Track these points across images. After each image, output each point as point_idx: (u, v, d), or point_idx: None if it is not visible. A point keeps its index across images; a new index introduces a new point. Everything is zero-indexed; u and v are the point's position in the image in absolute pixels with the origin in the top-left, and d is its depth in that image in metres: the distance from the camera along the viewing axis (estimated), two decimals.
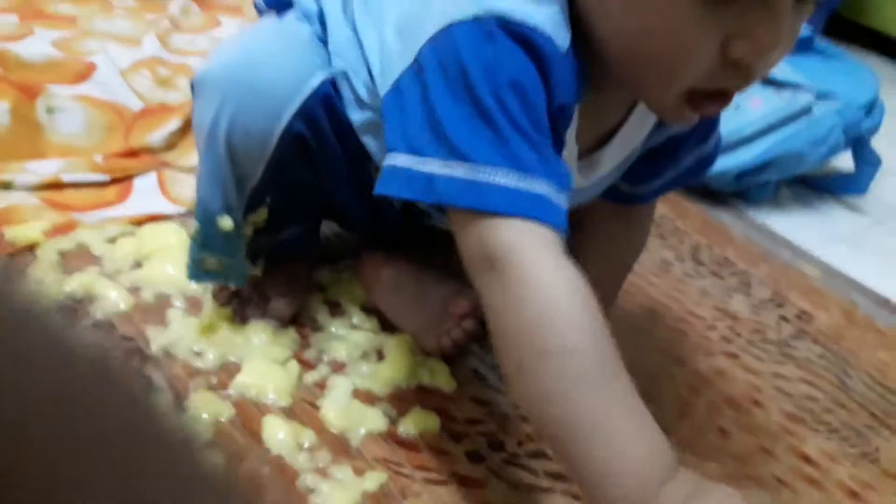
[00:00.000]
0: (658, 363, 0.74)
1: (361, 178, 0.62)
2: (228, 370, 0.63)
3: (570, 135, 0.51)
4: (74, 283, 0.69)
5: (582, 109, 0.50)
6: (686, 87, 0.46)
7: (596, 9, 0.46)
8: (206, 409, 0.59)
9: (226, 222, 0.62)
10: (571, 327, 0.43)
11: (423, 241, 0.73)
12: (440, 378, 0.65)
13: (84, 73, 0.95)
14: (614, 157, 0.58)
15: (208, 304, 0.69)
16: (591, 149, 0.55)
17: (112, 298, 0.68)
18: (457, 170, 0.45)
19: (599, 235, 0.67)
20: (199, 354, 0.64)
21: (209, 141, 0.59)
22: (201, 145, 0.61)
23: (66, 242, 0.74)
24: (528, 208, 0.44)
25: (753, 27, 0.43)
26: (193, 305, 0.69)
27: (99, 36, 1.09)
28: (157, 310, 0.68)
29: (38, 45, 1.01)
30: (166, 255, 0.73)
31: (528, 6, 0.46)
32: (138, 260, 0.73)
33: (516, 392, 0.47)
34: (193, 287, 0.70)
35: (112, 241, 0.75)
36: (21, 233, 0.74)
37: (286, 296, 0.69)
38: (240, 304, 0.69)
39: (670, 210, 1.03)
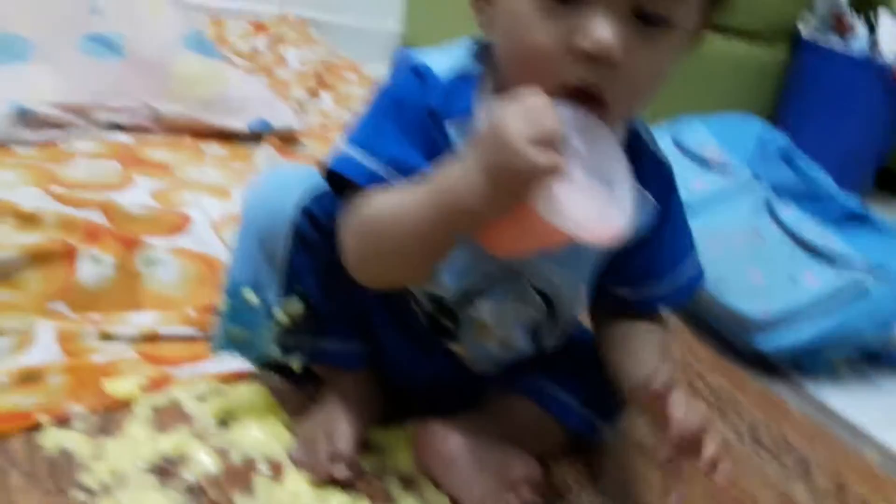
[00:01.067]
0: None
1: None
2: None
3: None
4: (167, 444, 0.73)
5: None
6: (555, 81, 0.57)
7: (493, 37, 0.63)
8: None
9: (251, 296, 0.72)
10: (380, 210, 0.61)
11: (473, 404, 0.78)
12: None
13: (179, 225, 1.02)
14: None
15: (291, 471, 0.72)
16: None
17: (202, 461, 0.72)
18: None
19: (621, 329, 0.74)
20: None
21: (244, 224, 0.73)
22: (239, 230, 0.74)
23: (160, 399, 0.78)
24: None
25: (588, 22, 0.55)
26: (277, 471, 0.73)
27: (192, 186, 1.17)
28: (243, 474, 0.72)
29: (138, 196, 1.09)
30: (252, 417, 0.77)
31: (433, 55, 0.65)
32: (226, 419, 0.77)
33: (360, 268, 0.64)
34: (277, 451, 0.74)
35: (202, 398, 0.79)
36: (119, 387, 0.78)
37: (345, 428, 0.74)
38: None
39: (728, 381, 1.06)
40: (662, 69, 0.59)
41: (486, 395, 0.79)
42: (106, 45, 1.47)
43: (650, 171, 0.68)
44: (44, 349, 0.80)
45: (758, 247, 1.19)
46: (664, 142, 1.39)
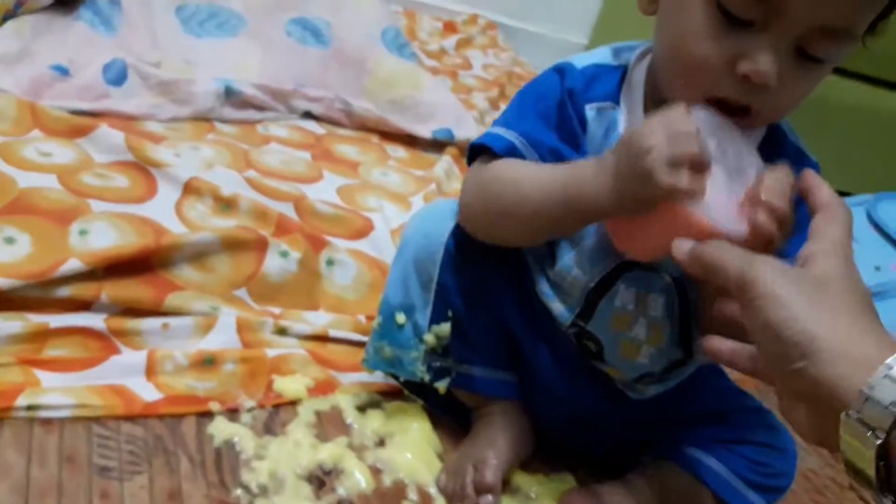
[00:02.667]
0: None
1: (527, 302, 0.74)
2: None
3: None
4: (325, 453, 0.75)
5: None
6: (706, 92, 0.60)
7: (656, 34, 0.65)
8: None
9: (400, 317, 0.76)
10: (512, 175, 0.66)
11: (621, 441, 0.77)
12: None
13: (363, 230, 1.05)
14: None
15: (439, 501, 0.73)
16: None
17: (356, 478, 0.73)
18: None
19: None
20: None
21: (401, 248, 0.77)
22: (396, 253, 0.78)
23: (323, 403, 0.81)
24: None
25: (755, 51, 0.56)
26: (426, 499, 0.74)
27: (376, 189, 1.20)
28: (393, 497, 0.73)
29: (326, 191, 1.13)
30: (407, 439, 0.79)
31: (577, 56, 0.70)
32: (383, 437, 0.79)
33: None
34: (427, 479, 0.75)
35: (363, 410, 0.81)
36: (288, 386, 0.81)
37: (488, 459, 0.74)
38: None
39: None
40: (809, 92, 0.62)
41: (638, 461, 0.78)
42: (311, 30, 1.53)
43: (793, 160, 0.67)
44: (223, 335, 0.84)
45: None
46: (858, 216, 1.32)
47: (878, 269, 1.23)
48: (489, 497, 0.72)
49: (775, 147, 0.68)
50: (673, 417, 0.77)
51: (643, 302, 0.71)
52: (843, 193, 1.40)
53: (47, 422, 0.70)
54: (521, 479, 0.79)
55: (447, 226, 0.74)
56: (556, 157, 0.67)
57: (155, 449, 0.71)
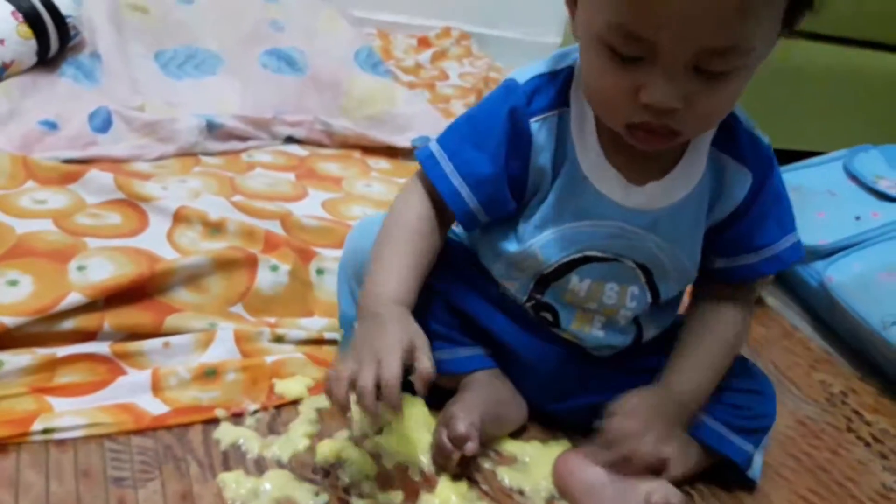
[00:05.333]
0: None
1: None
2: None
3: (583, 152, 0.71)
4: (328, 447, 0.78)
5: (613, 147, 0.70)
6: (625, 119, 0.64)
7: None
8: None
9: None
10: (390, 228, 0.75)
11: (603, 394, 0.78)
12: None
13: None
14: (668, 192, 0.72)
15: (444, 480, 0.76)
16: (643, 180, 0.71)
17: (359, 464, 0.77)
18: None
19: (697, 313, 0.80)
20: None
21: (340, 265, 0.85)
22: (339, 273, 0.86)
23: (323, 401, 0.84)
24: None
25: (650, 83, 0.59)
26: (427, 480, 0.77)
27: (360, 200, 1.25)
28: (395, 479, 0.76)
29: (311, 207, 1.17)
30: (403, 425, 0.81)
31: (521, 69, 0.73)
32: (381, 425, 0.82)
33: None
34: (425, 459, 0.78)
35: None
36: (288, 387, 0.85)
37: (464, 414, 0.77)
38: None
39: (893, 426, 1.01)
40: (732, 97, 0.63)
41: None
42: (286, 60, 1.58)
43: (747, 147, 0.72)
44: (223, 348, 0.88)
45: None
46: (835, 171, 1.35)
47: (858, 218, 1.25)
48: (470, 444, 0.75)
49: (729, 136, 0.72)
50: (647, 372, 0.80)
51: (597, 289, 0.76)
52: (819, 152, 1.43)
53: (61, 442, 0.74)
54: (516, 447, 0.82)
55: (372, 238, 0.78)
56: (485, 182, 0.72)
57: (165, 457, 0.74)
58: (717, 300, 0.79)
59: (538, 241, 0.75)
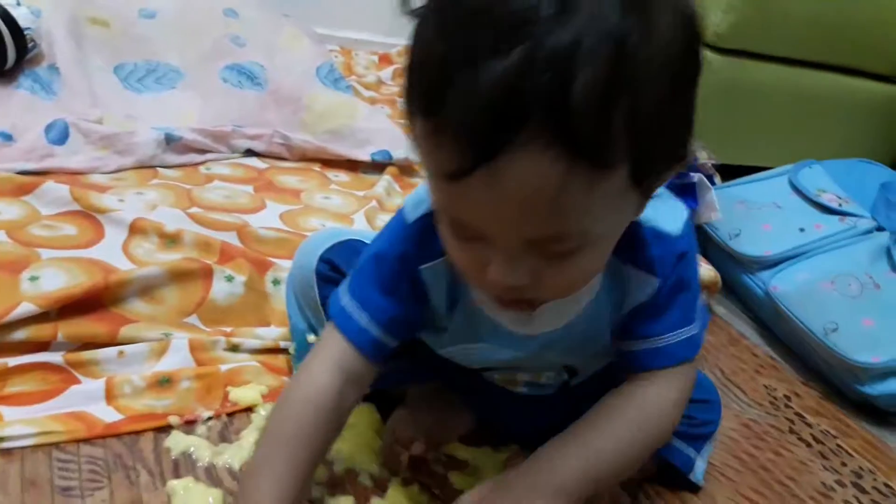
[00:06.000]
0: None
1: None
2: None
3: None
4: None
5: None
6: (481, 288, 0.61)
7: None
8: None
9: (311, 337, 0.82)
10: (283, 416, 0.68)
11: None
12: None
13: None
14: (559, 315, 0.68)
15: (395, 484, 0.77)
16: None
17: None
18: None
19: (602, 401, 0.70)
20: None
21: (287, 282, 0.87)
22: (287, 290, 0.87)
23: None
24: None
25: (492, 262, 0.55)
26: (378, 485, 0.78)
27: (318, 212, 1.26)
28: (345, 484, 0.77)
29: (270, 220, 1.19)
30: (354, 431, 0.82)
31: (412, 196, 0.70)
32: None
33: None
34: (375, 465, 0.80)
35: None
36: (243, 394, 0.86)
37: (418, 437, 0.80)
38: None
39: (833, 426, 1.04)
40: (588, 269, 0.58)
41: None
42: (246, 75, 1.59)
43: (651, 249, 0.66)
44: (177, 357, 0.89)
45: (874, 295, 1.16)
46: (781, 185, 1.39)
47: (802, 230, 1.29)
48: (416, 444, 0.77)
49: (630, 244, 0.64)
50: (595, 393, 0.77)
51: (511, 376, 0.78)
52: (766, 167, 1.47)
53: (8, 452, 0.74)
54: (467, 452, 0.84)
55: (316, 253, 0.81)
56: (398, 322, 0.69)
57: (115, 466, 0.75)
58: (633, 381, 0.70)
59: (445, 351, 0.76)
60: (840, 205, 1.32)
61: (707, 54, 1.71)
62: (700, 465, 0.84)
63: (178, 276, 0.96)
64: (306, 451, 0.66)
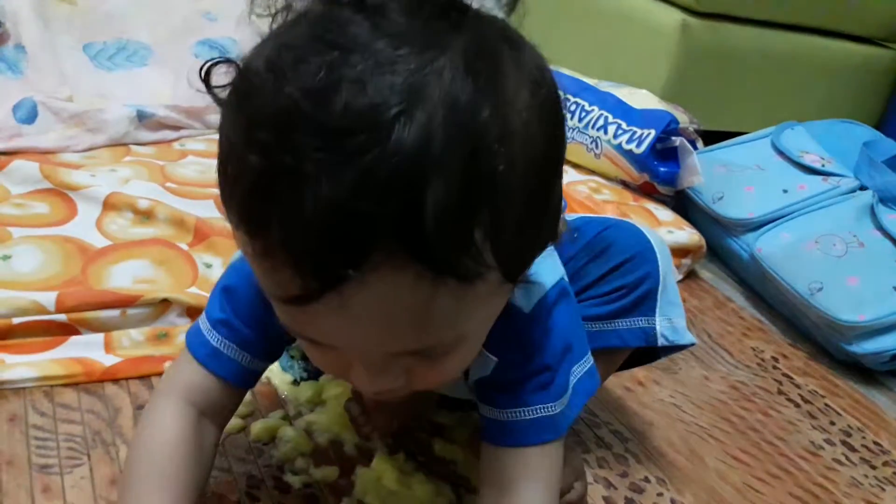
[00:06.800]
0: None
1: None
2: None
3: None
4: (260, 426, 0.77)
5: None
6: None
7: None
8: None
9: None
10: (141, 454, 0.58)
11: None
12: None
13: None
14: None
15: (380, 455, 0.76)
16: None
17: (292, 441, 0.76)
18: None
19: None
20: None
21: None
22: None
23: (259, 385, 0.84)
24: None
25: (354, 368, 0.49)
26: (362, 453, 0.77)
27: None
28: (329, 453, 0.76)
29: None
30: (335, 403, 0.81)
31: None
32: (315, 404, 0.82)
33: None
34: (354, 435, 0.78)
35: (296, 383, 0.84)
36: None
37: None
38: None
39: (820, 386, 1.04)
40: (462, 360, 0.51)
41: None
42: (218, 49, 1.56)
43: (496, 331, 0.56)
44: (175, 317, 0.88)
45: (858, 253, 1.16)
46: (764, 147, 1.38)
47: (785, 191, 1.28)
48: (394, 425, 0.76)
49: (511, 329, 0.58)
50: None
51: None
52: (743, 132, 1.46)
53: None
54: (446, 418, 0.82)
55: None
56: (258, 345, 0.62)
57: (94, 442, 0.73)
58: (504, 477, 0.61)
59: None
60: (823, 165, 1.31)
61: (686, 19, 1.71)
62: (665, 325, 0.72)
63: (164, 261, 0.96)
64: None
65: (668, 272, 0.73)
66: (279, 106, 0.39)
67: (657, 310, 0.72)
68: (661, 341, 0.72)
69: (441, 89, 0.38)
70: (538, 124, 0.43)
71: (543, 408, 0.60)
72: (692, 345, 0.76)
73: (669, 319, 0.73)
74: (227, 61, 0.45)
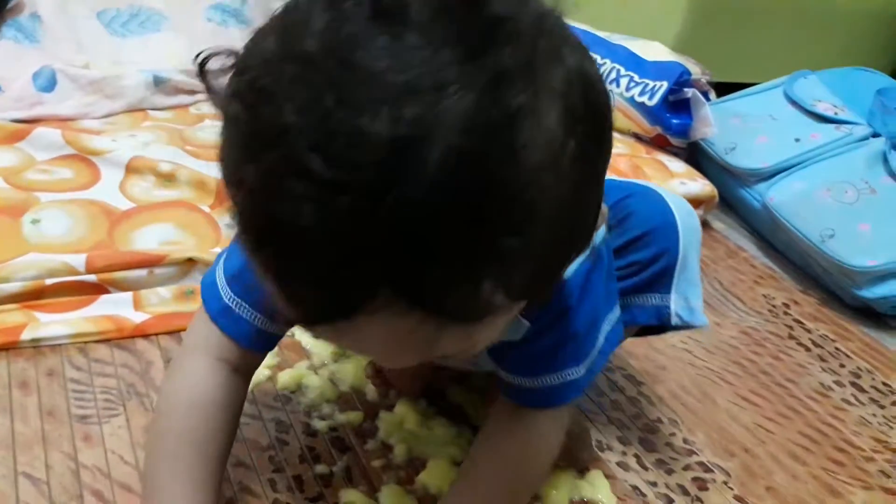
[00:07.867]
0: (814, 492, 0.77)
1: None
2: (414, 466, 0.72)
3: None
4: (287, 377, 0.80)
5: None
6: None
7: None
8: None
9: None
10: (171, 415, 0.60)
11: None
12: (601, 492, 0.72)
13: None
14: None
15: (402, 400, 0.79)
16: None
17: (317, 389, 0.79)
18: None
19: (487, 431, 0.65)
20: (390, 447, 0.74)
21: None
22: None
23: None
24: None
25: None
26: (382, 395, 0.80)
27: None
28: (353, 400, 0.79)
29: None
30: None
31: None
32: (338, 356, 0.85)
33: None
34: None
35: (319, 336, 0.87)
36: None
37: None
38: None
39: (831, 330, 1.06)
40: (494, 335, 0.46)
41: None
42: (230, 13, 1.58)
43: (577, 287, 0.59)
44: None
45: (870, 200, 1.17)
46: (776, 97, 1.38)
47: (798, 140, 1.29)
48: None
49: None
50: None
51: None
52: (756, 83, 1.46)
53: (24, 385, 0.75)
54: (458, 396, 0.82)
55: None
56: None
57: (128, 394, 0.76)
58: (515, 419, 0.63)
59: None
60: (836, 113, 1.31)
61: None
62: (681, 304, 0.69)
63: (188, 225, 0.99)
64: (202, 470, 0.58)
65: (691, 248, 0.69)
66: (274, 140, 0.36)
67: (672, 287, 0.68)
68: (674, 320, 0.69)
69: (452, 131, 0.34)
70: (570, 163, 0.38)
71: (572, 371, 0.60)
72: (705, 326, 0.72)
73: (686, 299, 0.69)
74: (228, 54, 0.43)
